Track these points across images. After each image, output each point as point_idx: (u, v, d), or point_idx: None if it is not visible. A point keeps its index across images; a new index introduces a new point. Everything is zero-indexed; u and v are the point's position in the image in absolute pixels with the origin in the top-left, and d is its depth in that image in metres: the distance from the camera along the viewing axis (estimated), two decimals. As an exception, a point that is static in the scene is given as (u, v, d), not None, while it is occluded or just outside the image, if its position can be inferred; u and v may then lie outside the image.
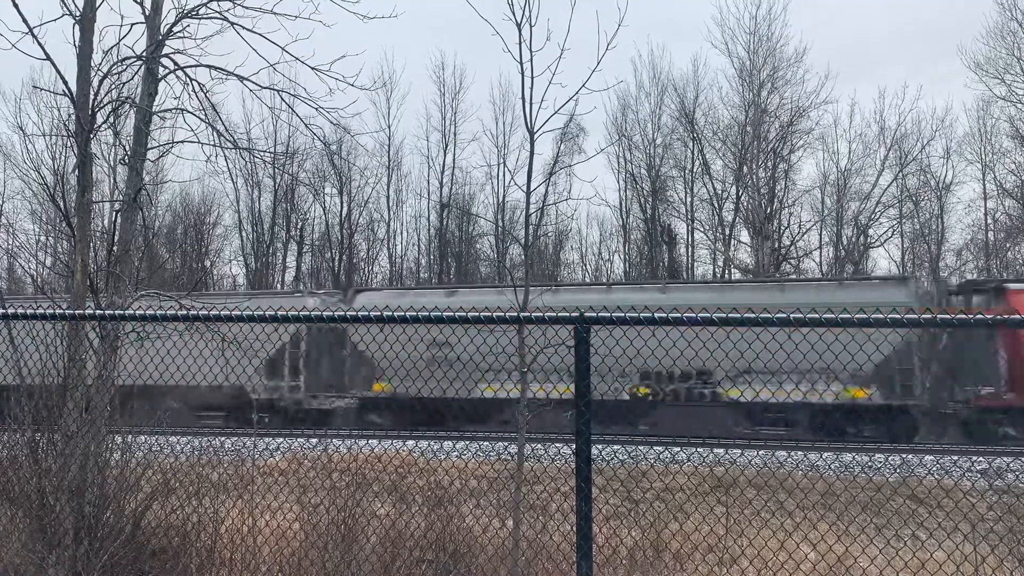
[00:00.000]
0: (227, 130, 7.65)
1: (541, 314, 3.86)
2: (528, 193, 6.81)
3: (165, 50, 6.92)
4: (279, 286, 41.46)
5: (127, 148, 7.01)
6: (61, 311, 5.11)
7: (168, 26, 6.88)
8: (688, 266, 38.94)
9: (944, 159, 36.61)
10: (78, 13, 6.57)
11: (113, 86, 6.77)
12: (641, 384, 18.30)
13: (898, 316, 3.36)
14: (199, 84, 7.15)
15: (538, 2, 6.04)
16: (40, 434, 5.48)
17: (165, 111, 7.18)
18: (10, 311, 5.10)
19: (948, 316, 3.42)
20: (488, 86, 61.14)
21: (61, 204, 7.52)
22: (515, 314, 4.07)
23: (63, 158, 32.53)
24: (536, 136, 6.33)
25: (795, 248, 37.85)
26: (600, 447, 12.08)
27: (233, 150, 8.36)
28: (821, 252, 38.36)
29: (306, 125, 8.43)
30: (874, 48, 50.22)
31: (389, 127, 40.85)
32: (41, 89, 34.36)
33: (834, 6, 49.85)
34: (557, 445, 12.07)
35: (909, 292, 17.72)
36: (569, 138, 36.86)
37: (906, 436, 17.15)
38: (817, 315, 3.44)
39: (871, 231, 37.16)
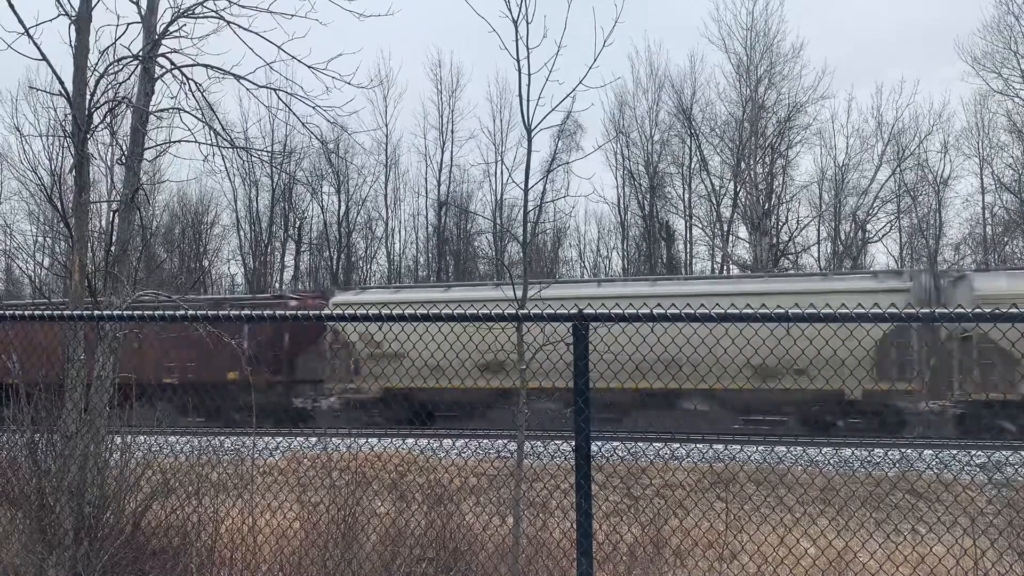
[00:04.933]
0: (224, 129, 7.65)
1: (540, 311, 3.86)
2: (526, 191, 6.81)
3: (161, 49, 6.90)
4: (278, 285, 41.44)
5: (124, 148, 7.00)
6: (59, 312, 5.10)
7: (164, 26, 6.87)
8: (686, 262, 38.96)
9: (942, 154, 36.66)
10: (74, 13, 6.55)
11: (109, 86, 6.77)
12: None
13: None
14: (196, 83, 7.15)
15: (535, -1, 6.03)
16: (39, 435, 5.48)
17: (162, 111, 7.17)
18: (7, 312, 5.10)
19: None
20: (485, 84, 61.27)
21: (58, 205, 7.52)
22: (513, 312, 4.07)
23: (60, 159, 32.38)
24: (534, 133, 6.32)
25: (793, 244, 37.93)
26: (600, 444, 12.08)
27: (230, 149, 8.35)
28: (819, 247, 38.45)
29: (303, 124, 8.42)
30: (871, 50, 50.28)
31: (386, 125, 40.85)
32: (37, 89, 34.19)
33: (830, 6, 49.87)
34: (556, 442, 12.09)
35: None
36: (567, 135, 36.84)
37: None
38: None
39: (869, 226, 37.24)
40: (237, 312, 4.54)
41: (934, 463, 12.24)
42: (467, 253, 42.70)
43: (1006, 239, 36.34)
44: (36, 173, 34.46)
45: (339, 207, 41.91)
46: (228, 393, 19.30)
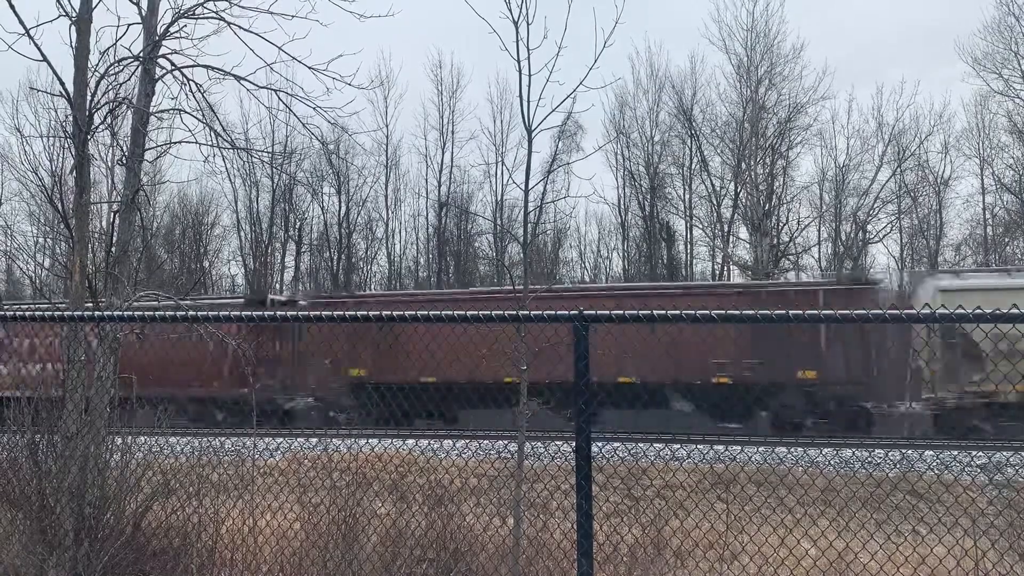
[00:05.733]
0: (225, 130, 7.67)
1: (540, 313, 3.86)
2: (526, 191, 6.82)
3: (162, 50, 6.90)
4: (278, 286, 41.44)
5: (124, 149, 7.00)
6: (60, 313, 5.10)
7: (165, 26, 6.87)
8: (687, 263, 38.97)
9: (942, 154, 36.66)
10: (74, 14, 6.55)
11: (110, 87, 6.77)
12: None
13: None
14: (196, 84, 7.15)
15: (535, 0, 6.05)
16: (40, 436, 5.48)
17: (162, 112, 7.17)
18: (7, 313, 5.10)
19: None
20: (486, 84, 61.07)
21: (59, 205, 7.52)
22: (514, 312, 4.07)
23: (61, 159, 32.29)
24: (534, 134, 6.35)
25: (794, 244, 37.90)
26: (600, 444, 12.08)
27: (231, 150, 8.37)
28: (820, 248, 38.44)
29: (304, 124, 8.43)
30: (872, 51, 50.28)
31: (387, 126, 40.85)
32: (38, 90, 34.15)
33: (830, 7, 49.86)
34: (557, 443, 12.08)
35: None
36: (567, 136, 36.87)
37: None
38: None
39: (870, 227, 37.24)
40: (236, 313, 4.54)
41: (935, 464, 12.24)
42: (467, 254, 42.70)
43: (1007, 240, 36.34)
44: (37, 174, 34.46)
45: (339, 208, 41.96)
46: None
